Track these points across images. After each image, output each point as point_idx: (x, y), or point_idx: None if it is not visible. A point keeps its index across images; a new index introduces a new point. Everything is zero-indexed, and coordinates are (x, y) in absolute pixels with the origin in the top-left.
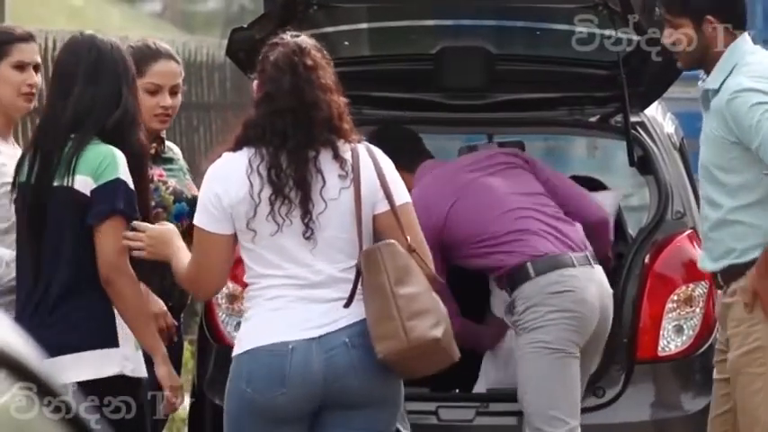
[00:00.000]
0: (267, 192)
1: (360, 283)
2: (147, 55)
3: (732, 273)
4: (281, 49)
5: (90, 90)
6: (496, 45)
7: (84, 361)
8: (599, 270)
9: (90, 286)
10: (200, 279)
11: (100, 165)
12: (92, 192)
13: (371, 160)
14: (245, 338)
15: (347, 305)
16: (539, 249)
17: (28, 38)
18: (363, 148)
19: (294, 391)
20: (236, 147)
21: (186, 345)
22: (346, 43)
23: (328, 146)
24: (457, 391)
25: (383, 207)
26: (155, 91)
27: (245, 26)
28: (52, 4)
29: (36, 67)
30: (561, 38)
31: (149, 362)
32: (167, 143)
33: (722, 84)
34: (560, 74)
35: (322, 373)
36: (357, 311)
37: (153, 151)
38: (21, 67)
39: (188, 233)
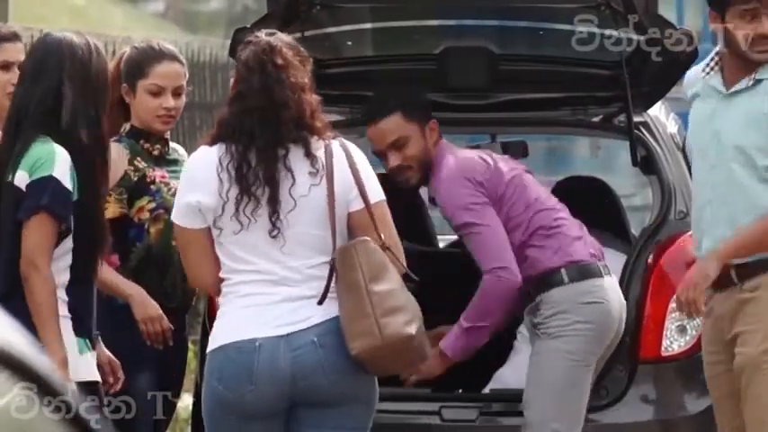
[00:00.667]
0: (234, 191)
1: (334, 281)
2: (150, 56)
3: (758, 265)
4: (252, 47)
5: (30, 88)
6: (499, 45)
7: None
8: (615, 280)
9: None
10: (190, 274)
11: (37, 161)
12: (26, 187)
13: (345, 157)
14: (218, 335)
15: (320, 302)
16: (573, 255)
17: (12, 37)
18: (337, 145)
19: (262, 388)
20: (211, 145)
21: (189, 345)
22: (349, 43)
23: (300, 143)
24: (460, 391)
25: (357, 205)
26: (157, 92)
27: (249, 26)
28: (55, 4)
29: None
30: (564, 38)
31: (151, 365)
32: (173, 145)
33: None
34: (563, 74)
35: (290, 370)
36: (328, 309)
37: (157, 153)
38: (6, 66)
39: None
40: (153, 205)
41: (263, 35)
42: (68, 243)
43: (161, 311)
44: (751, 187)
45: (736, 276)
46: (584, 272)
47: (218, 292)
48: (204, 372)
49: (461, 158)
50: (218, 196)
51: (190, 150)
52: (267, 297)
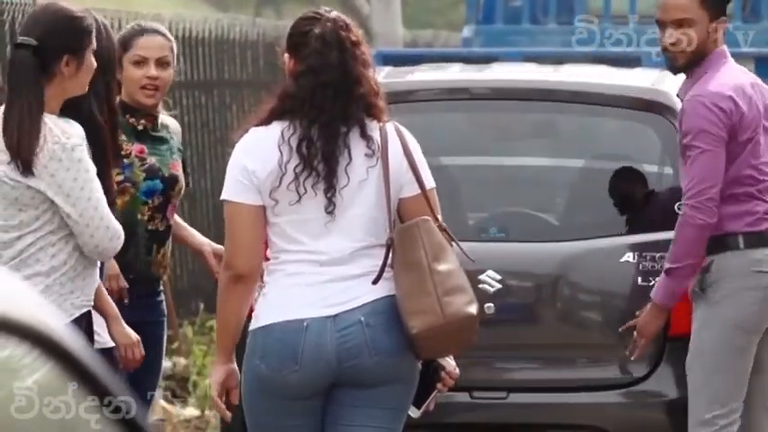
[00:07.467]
0: (294, 162)
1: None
2: (134, 33)
3: None
4: (329, 24)
5: None
6: None
7: None
8: None
9: None
10: (231, 256)
11: None
12: None
13: (400, 141)
14: (262, 314)
15: (375, 281)
16: (754, 222)
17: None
18: (392, 128)
19: (307, 369)
20: (269, 119)
21: (188, 326)
22: None
23: (356, 124)
24: None
25: (411, 191)
26: (140, 62)
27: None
28: None
29: None
30: None
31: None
32: (167, 121)
33: None
34: None
35: (335, 352)
36: (378, 289)
37: (141, 127)
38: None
39: (159, 210)
40: (120, 178)
41: (325, 12)
42: None
43: (117, 270)
44: None
45: None
46: (762, 239)
47: (248, 279)
48: (246, 350)
49: (721, 84)
50: (278, 168)
51: (219, 128)
52: (315, 277)
